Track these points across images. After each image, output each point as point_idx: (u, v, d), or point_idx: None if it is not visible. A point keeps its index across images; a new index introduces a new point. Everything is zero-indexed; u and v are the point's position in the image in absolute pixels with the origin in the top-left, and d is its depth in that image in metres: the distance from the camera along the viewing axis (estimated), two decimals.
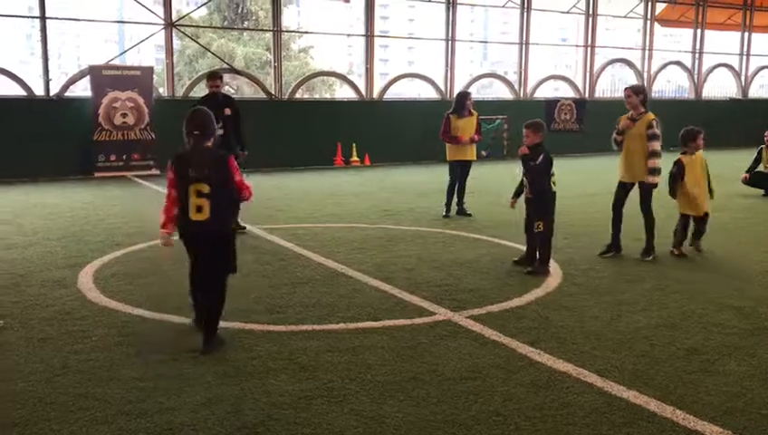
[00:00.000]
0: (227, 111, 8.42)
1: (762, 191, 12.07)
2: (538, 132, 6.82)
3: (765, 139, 12.32)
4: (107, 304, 5.65)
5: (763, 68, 27.25)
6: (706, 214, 7.65)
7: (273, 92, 17.50)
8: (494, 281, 6.45)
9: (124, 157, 15.04)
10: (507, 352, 4.61)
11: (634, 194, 7.39)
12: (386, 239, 8.39)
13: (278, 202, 11.43)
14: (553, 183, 6.80)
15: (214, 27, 34.47)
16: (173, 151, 4.79)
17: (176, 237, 4.78)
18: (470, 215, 9.95)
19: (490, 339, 4.87)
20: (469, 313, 5.45)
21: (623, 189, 7.45)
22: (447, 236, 8.67)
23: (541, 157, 6.73)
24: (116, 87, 14.89)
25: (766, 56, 27.22)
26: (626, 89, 7.47)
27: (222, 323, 4.83)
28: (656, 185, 7.26)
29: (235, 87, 34.27)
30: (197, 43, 24.19)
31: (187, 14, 21.01)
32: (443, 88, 19.74)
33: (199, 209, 4.58)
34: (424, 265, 7.08)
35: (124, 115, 14.96)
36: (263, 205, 11.05)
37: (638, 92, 7.32)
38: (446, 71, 19.77)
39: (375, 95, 18.98)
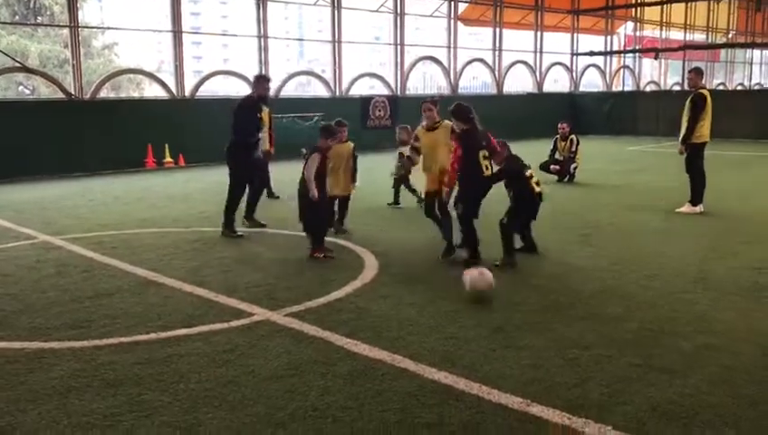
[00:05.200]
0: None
1: (555, 177, 13.17)
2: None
3: (559, 129, 13.45)
4: None
5: (554, 64, 29.81)
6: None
7: (73, 92, 16.28)
8: (314, 277, 6.46)
9: None
10: (325, 346, 4.64)
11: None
12: (202, 242, 8.11)
13: (82, 209, 10.65)
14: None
15: (1, 23, 31.35)
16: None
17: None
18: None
19: (308, 334, 4.86)
20: (288, 310, 5.40)
21: None
22: (268, 235, 8.57)
23: None
24: None
25: (557, 53, 29.81)
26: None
27: (17, 344, 4.51)
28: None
29: (30, 87, 31.50)
30: None
31: None
32: None
33: (486, 168, 6.68)
34: (242, 266, 6.93)
35: None
36: (63, 213, 10.25)
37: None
38: (261, 68, 19.52)
39: (187, 93, 18.31)
